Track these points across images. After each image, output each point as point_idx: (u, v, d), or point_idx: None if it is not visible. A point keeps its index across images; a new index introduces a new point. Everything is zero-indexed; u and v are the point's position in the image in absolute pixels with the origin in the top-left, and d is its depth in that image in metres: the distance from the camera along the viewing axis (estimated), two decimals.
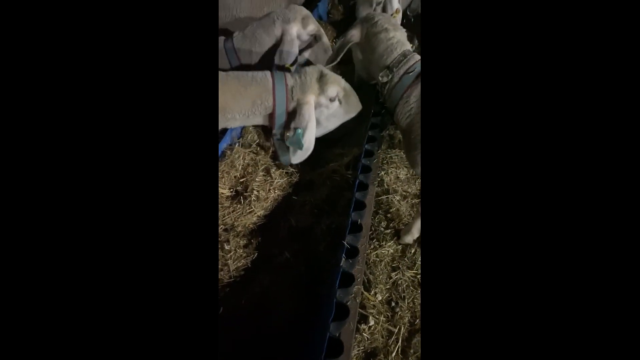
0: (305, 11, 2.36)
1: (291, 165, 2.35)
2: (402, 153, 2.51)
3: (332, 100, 1.96)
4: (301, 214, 2.11)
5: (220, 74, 1.88)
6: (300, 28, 2.30)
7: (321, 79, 1.93)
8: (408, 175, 2.43)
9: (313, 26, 2.35)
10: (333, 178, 2.28)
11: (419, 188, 2.34)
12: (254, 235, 2.03)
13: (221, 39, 2.33)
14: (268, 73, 1.92)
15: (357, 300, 1.64)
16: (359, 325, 1.72)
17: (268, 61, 2.31)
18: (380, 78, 1.89)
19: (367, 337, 1.72)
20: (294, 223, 2.06)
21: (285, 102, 1.89)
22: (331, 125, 2.08)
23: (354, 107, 2.06)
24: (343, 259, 1.63)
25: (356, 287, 1.61)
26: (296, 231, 2.04)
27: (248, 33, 2.31)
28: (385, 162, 2.49)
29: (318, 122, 1.97)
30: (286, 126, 1.94)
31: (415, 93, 1.77)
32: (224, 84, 1.83)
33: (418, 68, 1.81)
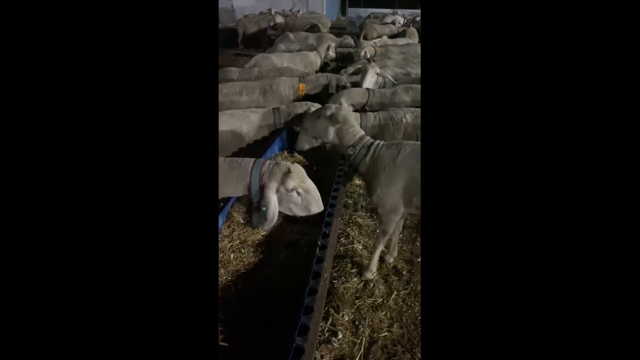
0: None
1: None
2: (365, 217, 3.48)
3: (289, 190, 2.36)
4: (290, 233, 3.20)
5: (220, 159, 2.44)
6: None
7: (286, 173, 2.35)
8: (368, 231, 3.29)
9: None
10: None
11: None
12: (259, 246, 3.09)
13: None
14: (252, 160, 2.43)
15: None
16: (330, 338, 2.25)
17: None
18: (348, 152, 2.97)
19: (337, 347, 2.24)
20: (285, 238, 3.14)
21: (258, 182, 2.38)
22: (296, 211, 2.46)
23: (314, 204, 2.45)
24: (318, 250, 2.63)
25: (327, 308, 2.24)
26: (287, 243, 3.11)
27: None
28: (351, 221, 3.40)
29: (281, 204, 2.39)
30: (257, 203, 2.39)
31: (368, 158, 2.84)
32: (220, 167, 2.42)
33: (368, 144, 2.98)
